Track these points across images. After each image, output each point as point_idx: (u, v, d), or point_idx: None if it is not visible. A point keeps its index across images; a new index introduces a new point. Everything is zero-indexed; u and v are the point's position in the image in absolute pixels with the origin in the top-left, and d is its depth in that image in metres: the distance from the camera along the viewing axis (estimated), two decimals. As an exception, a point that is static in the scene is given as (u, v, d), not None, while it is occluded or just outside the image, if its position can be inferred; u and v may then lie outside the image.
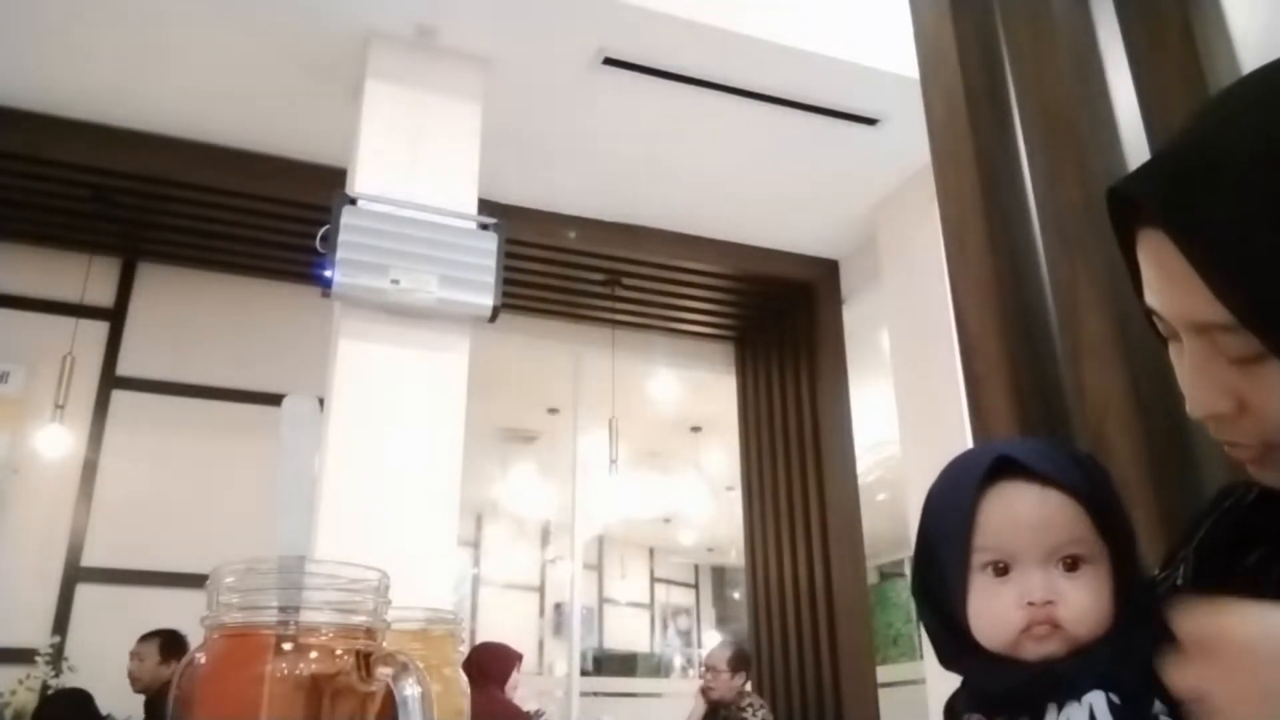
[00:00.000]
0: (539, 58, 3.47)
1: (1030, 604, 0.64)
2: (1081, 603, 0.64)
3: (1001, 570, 0.67)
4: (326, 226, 3.00)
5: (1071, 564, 0.66)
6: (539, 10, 3.25)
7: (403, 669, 0.48)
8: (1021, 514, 0.67)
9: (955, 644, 0.68)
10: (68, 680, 3.77)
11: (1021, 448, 0.71)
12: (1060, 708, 0.62)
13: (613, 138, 3.93)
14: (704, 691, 4.01)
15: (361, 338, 2.97)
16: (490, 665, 3.47)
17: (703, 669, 4.16)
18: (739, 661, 4.00)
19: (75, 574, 4.13)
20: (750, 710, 3.89)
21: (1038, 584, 0.65)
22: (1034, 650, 0.64)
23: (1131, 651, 0.61)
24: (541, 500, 8.48)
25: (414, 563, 2.72)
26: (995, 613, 0.66)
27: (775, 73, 3.54)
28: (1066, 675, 0.62)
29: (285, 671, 0.46)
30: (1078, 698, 0.61)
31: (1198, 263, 0.53)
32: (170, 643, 3.49)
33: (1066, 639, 0.64)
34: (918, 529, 0.74)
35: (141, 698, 3.46)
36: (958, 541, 0.68)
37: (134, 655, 3.48)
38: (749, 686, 4.04)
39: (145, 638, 3.51)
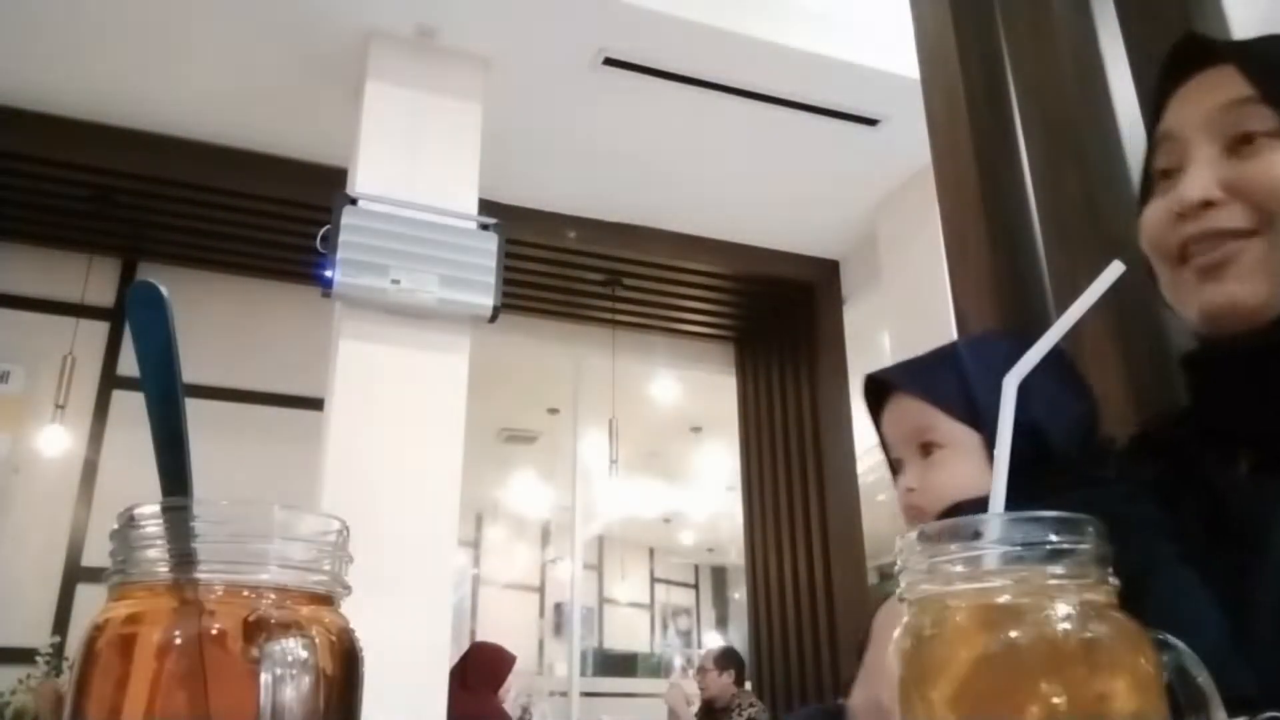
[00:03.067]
0: (539, 58, 3.47)
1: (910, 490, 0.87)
2: (936, 480, 0.84)
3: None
4: (327, 226, 3.00)
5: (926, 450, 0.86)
6: (539, 10, 3.25)
7: (278, 637, 0.37)
8: (888, 417, 0.93)
9: None
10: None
11: (894, 369, 0.95)
12: None
13: (613, 138, 3.93)
14: (670, 691, 4.15)
15: (362, 338, 2.97)
16: (484, 669, 3.46)
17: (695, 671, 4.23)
18: (725, 659, 4.05)
19: (75, 574, 4.13)
20: (737, 710, 3.92)
21: (909, 476, 0.87)
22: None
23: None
24: (541, 500, 8.48)
25: (414, 563, 2.72)
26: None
27: (775, 73, 3.54)
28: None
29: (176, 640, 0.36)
30: None
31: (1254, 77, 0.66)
32: None
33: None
34: None
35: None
36: None
37: None
38: (748, 686, 4.06)
39: None
